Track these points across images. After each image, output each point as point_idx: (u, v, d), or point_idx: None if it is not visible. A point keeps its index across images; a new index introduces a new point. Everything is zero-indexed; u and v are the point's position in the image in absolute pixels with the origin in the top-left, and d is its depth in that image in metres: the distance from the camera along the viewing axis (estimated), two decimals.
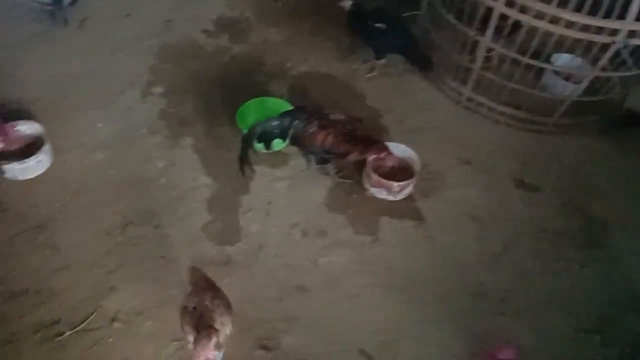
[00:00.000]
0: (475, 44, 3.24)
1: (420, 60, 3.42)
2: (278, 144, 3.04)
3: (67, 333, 2.31)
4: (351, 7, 3.39)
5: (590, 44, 2.96)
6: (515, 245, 2.82)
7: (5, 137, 2.80)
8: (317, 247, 2.70)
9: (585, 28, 2.85)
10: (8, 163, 2.70)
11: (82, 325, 2.34)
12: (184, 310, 2.11)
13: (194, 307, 2.07)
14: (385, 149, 2.85)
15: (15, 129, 2.86)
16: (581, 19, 2.81)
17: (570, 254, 2.82)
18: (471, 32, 3.16)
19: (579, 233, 2.91)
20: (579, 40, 2.93)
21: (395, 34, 3.38)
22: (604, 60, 2.99)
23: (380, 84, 3.53)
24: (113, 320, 2.37)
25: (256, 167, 2.97)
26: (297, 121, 2.83)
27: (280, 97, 3.26)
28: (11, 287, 2.42)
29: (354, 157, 2.84)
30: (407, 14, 3.76)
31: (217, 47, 3.60)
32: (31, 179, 2.78)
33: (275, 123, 2.83)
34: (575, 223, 2.95)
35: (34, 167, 2.76)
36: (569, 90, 3.27)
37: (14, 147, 2.83)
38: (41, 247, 2.56)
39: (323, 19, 3.87)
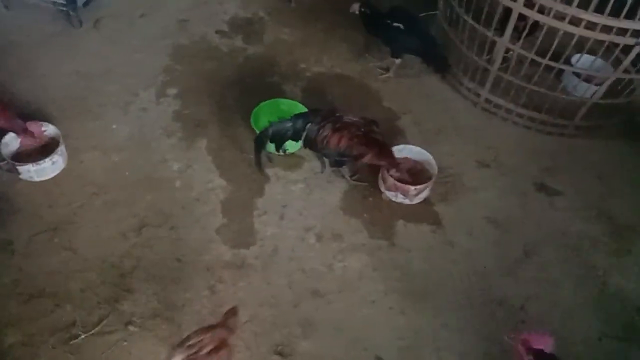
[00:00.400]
0: (493, 44, 3.19)
1: (437, 61, 3.38)
2: (292, 146, 3.01)
3: (82, 336, 2.30)
4: (360, 9, 3.35)
5: (612, 45, 2.90)
6: (536, 250, 2.77)
7: (32, 136, 2.82)
8: (333, 251, 2.67)
9: (607, 29, 2.79)
10: (23, 164, 2.69)
11: (97, 328, 2.33)
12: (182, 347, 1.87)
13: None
14: (396, 164, 2.81)
15: (42, 128, 2.87)
16: (603, 20, 2.74)
17: (594, 259, 2.77)
18: (489, 33, 3.11)
19: (602, 238, 2.86)
20: (601, 41, 2.87)
21: (413, 34, 3.32)
22: (626, 62, 2.93)
23: (397, 85, 3.49)
24: (128, 323, 2.36)
25: (271, 170, 2.96)
26: (310, 124, 2.80)
27: (295, 98, 3.23)
28: (28, 289, 2.41)
29: (368, 160, 2.81)
30: (425, 13, 3.72)
31: (232, 48, 3.58)
32: (47, 180, 2.77)
33: (288, 125, 2.80)
34: (598, 228, 2.90)
35: (49, 168, 2.75)
36: (590, 92, 3.21)
37: (42, 143, 2.86)
38: (57, 249, 2.56)
39: (337, 20, 3.83)
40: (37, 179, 2.75)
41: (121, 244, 2.60)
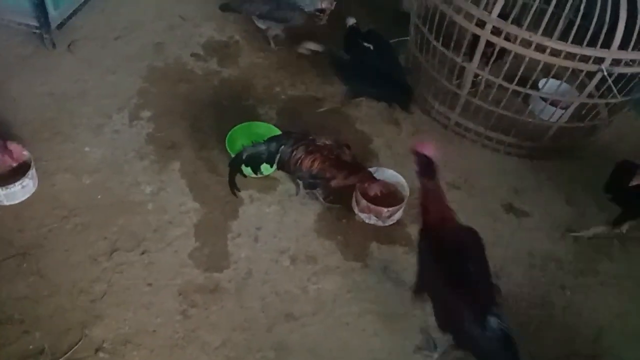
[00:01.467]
0: (463, 69, 3.28)
1: (402, 92, 3.38)
2: (267, 169, 3.03)
3: None
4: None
5: (577, 71, 3.01)
6: (506, 271, 2.82)
7: (11, 156, 2.77)
8: (307, 273, 2.68)
9: (571, 56, 2.89)
10: None
11: (66, 355, 2.29)
12: None
13: None
14: (369, 177, 2.85)
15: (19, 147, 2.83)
16: (566, 47, 2.85)
17: (562, 280, 2.83)
18: (458, 59, 3.20)
19: (568, 258, 2.93)
20: (566, 66, 2.97)
21: (381, 57, 3.40)
22: (589, 87, 3.04)
23: (369, 109, 3.55)
24: (98, 349, 2.32)
25: (245, 192, 2.97)
26: (283, 146, 2.83)
27: (270, 121, 3.26)
28: None
29: (337, 182, 2.84)
30: (396, 39, 3.80)
31: (207, 71, 3.61)
32: (17, 204, 2.73)
33: (262, 148, 2.83)
34: (565, 248, 2.97)
35: (19, 192, 2.72)
36: (556, 116, 3.31)
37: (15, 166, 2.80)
38: (26, 274, 2.51)
39: None
40: (6, 202, 2.71)
41: (92, 269, 2.57)
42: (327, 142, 2.87)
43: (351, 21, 3.48)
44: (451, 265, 2.11)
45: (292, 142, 2.83)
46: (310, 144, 2.84)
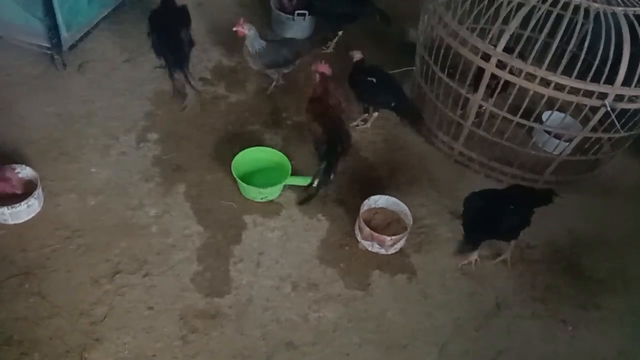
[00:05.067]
0: (467, 100, 3.31)
1: (411, 114, 3.46)
2: (272, 194, 3.05)
3: None
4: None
5: (580, 105, 3.03)
6: (508, 303, 2.81)
7: (8, 182, 2.76)
8: (308, 301, 2.68)
9: (575, 91, 2.93)
10: None
11: None
12: None
13: None
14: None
15: (16, 171, 2.84)
16: (570, 82, 2.89)
17: (564, 314, 2.82)
18: (463, 90, 3.23)
19: (572, 292, 2.92)
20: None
21: (385, 88, 3.44)
22: (593, 122, 3.07)
23: (373, 136, 3.58)
24: None
25: (249, 217, 2.98)
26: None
27: (275, 146, 3.28)
28: None
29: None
30: (402, 69, 3.85)
31: (214, 95, 3.64)
32: (21, 224, 2.74)
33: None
34: (568, 282, 2.97)
35: (24, 211, 2.73)
36: (559, 149, 3.33)
37: (18, 190, 2.78)
38: (27, 294, 2.51)
39: None
40: (11, 222, 2.72)
41: (93, 291, 2.56)
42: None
43: (357, 56, 3.50)
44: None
45: None
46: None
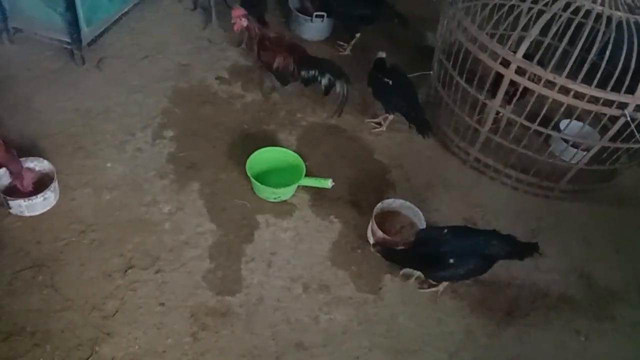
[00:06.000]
0: (484, 106, 3.29)
1: (419, 123, 3.42)
2: (285, 194, 3.05)
3: None
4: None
5: (599, 114, 3.00)
6: (519, 311, 2.79)
7: (21, 184, 2.78)
8: (319, 303, 2.67)
9: (595, 99, 2.90)
10: (15, 199, 2.69)
11: None
12: None
13: None
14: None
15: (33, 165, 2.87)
16: (590, 91, 2.85)
17: (577, 323, 2.79)
18: (480, 96, 3.21)
19: (585, 302, 2.89)
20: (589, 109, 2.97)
21: (399, 90, 3.43)
22: (612, 132, 3.03)
23: (388, 140, 3.57)
24: None
25: (262, 216, 2.99)
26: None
27: (289, 147, 3.28)
28: (7, 327, 2.37)
29: None
30: (418, 73, 3.83)
31: (230, 94, 3.65)
32: (36, 216, 2.76)
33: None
34: (581, 292, 2.94)
35: (40, 204, 2.75)
36: (577, 158, 3.29)
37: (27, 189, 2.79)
38: (40, 287, 2.53)
39: None
40: (27, 214, 2.74)
41: (105, 285, 2.58)
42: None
43: (380, 54, 3.51)
44: None
45: None
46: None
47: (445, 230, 2.66)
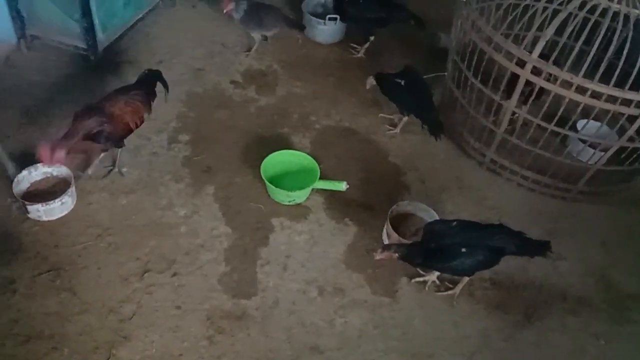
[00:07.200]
0: (500, 107, 3.26)
1: (432, 125, 3.40)
2: (300, 197, 3.05)
3: None
4: (374, 79, 3.52)
5: (617, 114, 2.96)
6: (537, 314, 2.76)
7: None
8: (334, 306, 2.66)
9: (612, 99, 2.86)
10: (33, 204, 2.73)
11: None
12: None
13: None
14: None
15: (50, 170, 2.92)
16: (608, 90, 2.82)
17: (595, 327, 2.75)
18: (496, 96, 3.18)
19: (603, 306, 2.85)
20: (607, 109, 2.93)
21: (413, 92, 3.41)
22: (630, 131, 2.99)
23: (403, 142, 3.55)
24: None
25: (276, 219, 2.99)
26: None
27: (303, 150, 3.28)
28: (25, 330, 2.40)
29: None
30: (432, 75, 3.82)
31: (244, 98, 3.67)
32: (54, 220, 2.79)
33: None
34: (600, 295, 2.89)
35: (57, 208, 2.78)
36: (594, 158, 3.25)
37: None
38: (59, 290, 2.55)
39: (347, 75, 3.94)
40: (45, 218, 2.78)
41: (122, 289, 2.60)
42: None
43: (370, 81, 3.54)
44: None
45: None
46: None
47: (454, 223, 2.64)
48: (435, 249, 2.56)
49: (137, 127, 2.98)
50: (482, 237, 2.59)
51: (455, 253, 2.53)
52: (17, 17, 3.50)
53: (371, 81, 3.52)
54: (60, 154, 2.69)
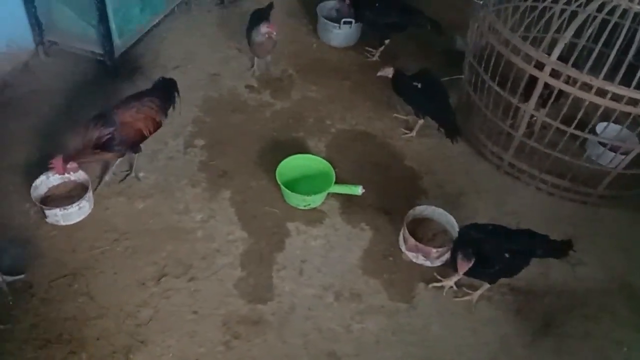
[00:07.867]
0: (518, 110, 3.22)
1: (449, 127, 3.39)
2: (315, 201, 3.04)
3: None
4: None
5: (638, 116, 2.91)
6: (557, 321, 2.71)
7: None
8: (351, 312, 2.64)
9: (633, 101, 2.81)
10: (51, 208, 2.75)
11: None
12: None
13: None
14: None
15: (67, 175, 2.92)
16: (629, 92, 2.77)
17: (618, 334, 2.69)
18: (514, 100, 3.14)
19: (625, 312, 2.79)
20: (628, 112, 2.88)
21: (430, 94, 3.39)
22: None
23: (419, 145, 3.53)
24: None
25: (292, 224, 2.98)
26: None
27: (319, 154, 3.27)
28: (44, 334, 2.42)
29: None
30: (450, 77, 3.79)
31: (260, 103, 3.67)
32: (72, 225, 2.81)
33: None
34: (622, 301, 2.84)
35: (75, 213, 2.80)
36: (615, 162, 3.19)
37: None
38: (76, 294, 2.57)
39: (363, 79, 3.93)
40: (63, 223, 2.80)
41: (139, 293, 2.60)
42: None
43: (389, 71, 3.49)
44: None
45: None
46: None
47: (490, 227, 2.64)
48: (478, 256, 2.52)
49: (151, 133, 2.97)
50: (518, 241, 2.60)
51: (499, 258, 2.53)
52: (36, 23, 3.55)
53: (389, 71, 3.45)
54: (73, 165, 2.73)
